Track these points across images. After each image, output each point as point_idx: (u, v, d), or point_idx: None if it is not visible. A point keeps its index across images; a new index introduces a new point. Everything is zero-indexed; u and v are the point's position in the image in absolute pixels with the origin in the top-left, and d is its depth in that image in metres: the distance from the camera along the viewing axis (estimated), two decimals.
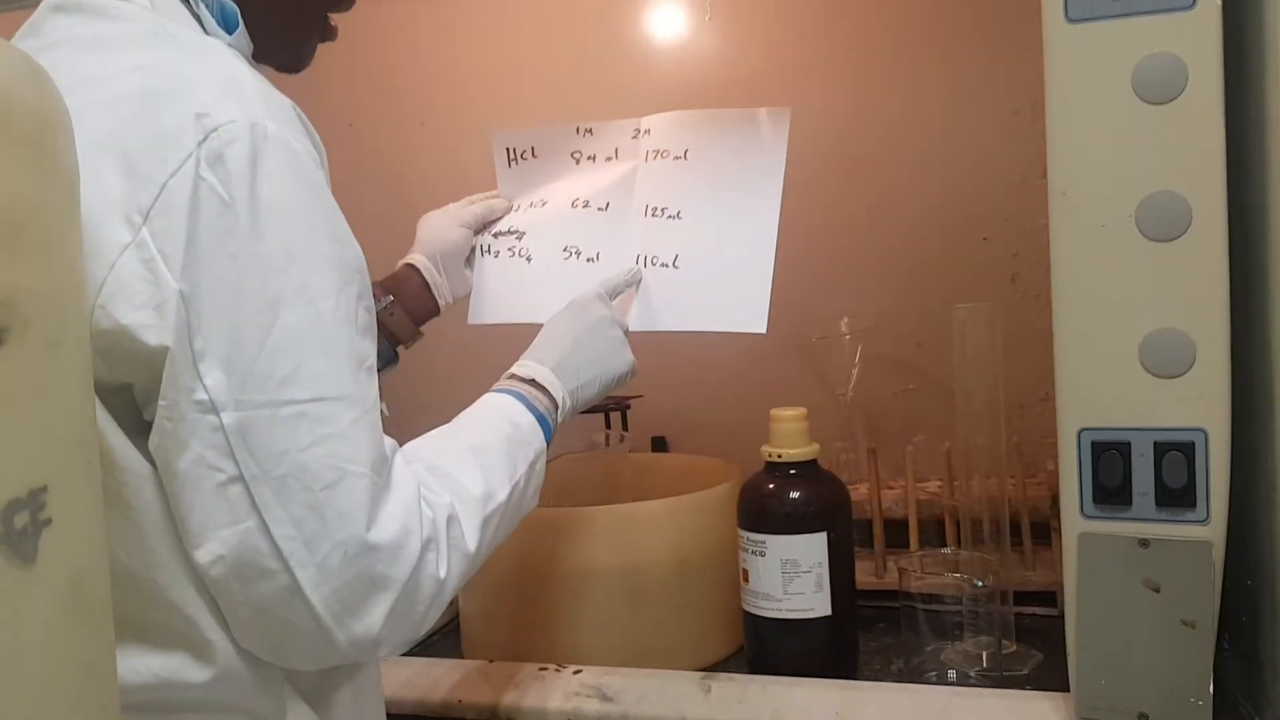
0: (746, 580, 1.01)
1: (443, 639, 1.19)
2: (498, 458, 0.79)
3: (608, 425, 1.35)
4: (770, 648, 1.00)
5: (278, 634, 0.66)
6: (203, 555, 0.65)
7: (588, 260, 1.04)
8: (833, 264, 1.38)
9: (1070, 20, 0.76)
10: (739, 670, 1.02)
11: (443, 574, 0.69)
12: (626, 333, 0.97)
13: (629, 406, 1.37)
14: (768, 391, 1.15)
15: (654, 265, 1.02)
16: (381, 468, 0.67)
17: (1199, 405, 0.75)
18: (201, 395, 0.63)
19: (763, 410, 1.05)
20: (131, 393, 0.65)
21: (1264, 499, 0.79)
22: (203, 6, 0.74)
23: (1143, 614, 0.77)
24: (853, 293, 1.38)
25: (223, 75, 0.66)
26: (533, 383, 0.89)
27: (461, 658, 1.10)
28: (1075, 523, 0.80)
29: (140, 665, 0.66)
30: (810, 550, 0.97)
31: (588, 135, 1.09)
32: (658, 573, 1.05)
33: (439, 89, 1.54)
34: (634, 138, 1.08)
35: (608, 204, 1.05)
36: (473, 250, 1.10)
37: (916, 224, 1.36)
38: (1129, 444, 0.77)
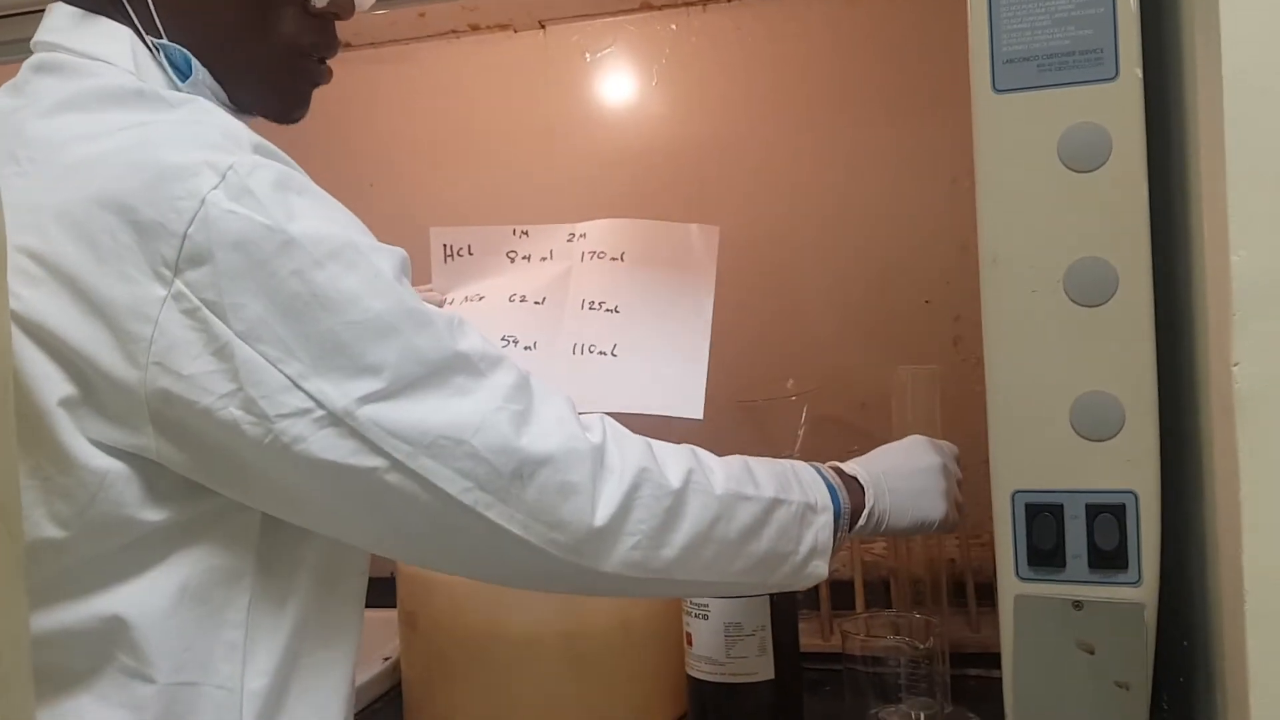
0: (690, 644, 1.00)
1: (384, 706, 1.16)
2: (764, 472, 0.82)
3: None
4: (714, 712, 1.00)
5: (509, 571, 0.72)
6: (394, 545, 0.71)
7: (524, 349, 1.08)
8: (778, 326, 1.40)
9: (997, 91, 0.78)
10: None
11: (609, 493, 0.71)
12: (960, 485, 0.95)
13: None
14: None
15: (592, 353, 1.05)
16: (515, 396, 0.69)
17: (1129, 467, 0.76)
18: (318, 412, 0.63)
19: None
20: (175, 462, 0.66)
21: (1196, 560, 0.79)
22: (161, 55, 0.74)
23: (1078, 676, 0.77)
24: (798, 354, 1.39)
25: (219, 125, 0.68)
26: (841, 474, 0.88)
27: None
28: (1011, 585, 0.80)
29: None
30: (753, 613, 0.97)
31: (523, 236, 1.14)
32: (602, 637, 1.03)
33: (395, 151, 1.55)
34: (569, 241, 1.13)
35: (544, 298, 1.10)
36: None
37: (860, 287, 1.38)
38: (1061, 506, 0.77)
